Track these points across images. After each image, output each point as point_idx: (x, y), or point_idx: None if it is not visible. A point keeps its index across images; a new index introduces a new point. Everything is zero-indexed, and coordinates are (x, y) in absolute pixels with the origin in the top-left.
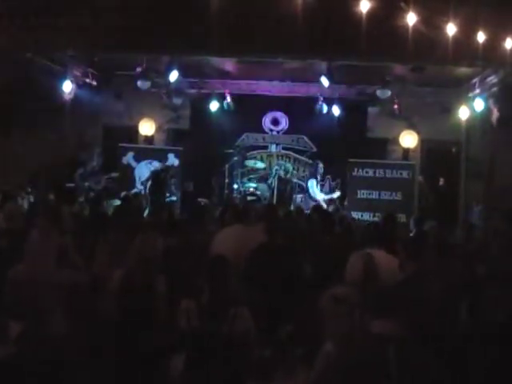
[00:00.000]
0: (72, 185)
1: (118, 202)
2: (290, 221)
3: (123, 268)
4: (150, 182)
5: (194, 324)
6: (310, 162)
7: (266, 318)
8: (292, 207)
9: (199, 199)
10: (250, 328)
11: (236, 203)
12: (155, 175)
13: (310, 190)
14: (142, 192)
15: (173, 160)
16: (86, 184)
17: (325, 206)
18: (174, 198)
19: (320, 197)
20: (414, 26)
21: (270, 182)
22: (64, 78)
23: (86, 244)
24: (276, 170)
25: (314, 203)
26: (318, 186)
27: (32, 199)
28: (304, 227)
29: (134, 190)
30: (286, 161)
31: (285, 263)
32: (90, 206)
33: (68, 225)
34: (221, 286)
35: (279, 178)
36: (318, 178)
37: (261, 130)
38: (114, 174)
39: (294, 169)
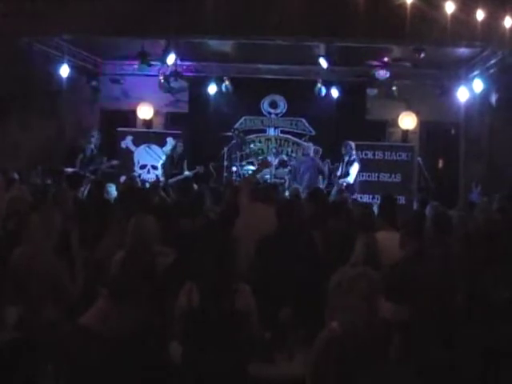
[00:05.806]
0: (72, 169)
1: (113, 187)
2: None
3: (123, 250)
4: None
5: (195, 304)
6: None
7: (268, 301)
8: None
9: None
10: (251, 304)
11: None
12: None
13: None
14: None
15: (172, 143)
16: (87, 169)
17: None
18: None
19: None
20: (413, 4)
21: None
22: (61, 62)
23: (89, 229)
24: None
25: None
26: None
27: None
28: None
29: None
30: (284, 145)
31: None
32: (93, 192)
33: (71, 210)
34: (224, 268)
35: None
36: None
37: (259, 113)
38: (115, 162)
39: (292, 151)
